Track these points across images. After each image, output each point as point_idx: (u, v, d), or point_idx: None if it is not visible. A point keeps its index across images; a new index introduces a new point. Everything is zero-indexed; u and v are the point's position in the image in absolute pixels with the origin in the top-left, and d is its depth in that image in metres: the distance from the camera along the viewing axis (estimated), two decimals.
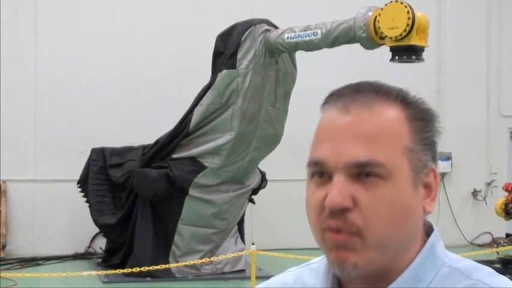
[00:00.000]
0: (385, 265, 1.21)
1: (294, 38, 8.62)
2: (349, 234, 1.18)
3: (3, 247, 10.86)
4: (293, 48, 8.87)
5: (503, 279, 1.23)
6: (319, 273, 1.33)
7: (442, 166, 12.84)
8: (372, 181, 1.19)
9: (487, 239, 13.04)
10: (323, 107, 1.28)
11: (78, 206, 10.62)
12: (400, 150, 1.21)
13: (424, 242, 1.26)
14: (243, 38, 9.09)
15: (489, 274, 1.24)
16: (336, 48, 8.70)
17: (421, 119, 1.26)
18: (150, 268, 8.53)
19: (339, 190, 1.18)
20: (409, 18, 7.40)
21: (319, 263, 1.37)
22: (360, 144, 1.19)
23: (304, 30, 8.52)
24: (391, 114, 1.23)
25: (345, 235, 1.18)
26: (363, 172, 1.19)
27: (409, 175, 1.21)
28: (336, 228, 1.19)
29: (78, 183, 10.37)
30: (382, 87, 1.28)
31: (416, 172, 1.22)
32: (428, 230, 1.29)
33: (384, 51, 8.00)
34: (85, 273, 9.10)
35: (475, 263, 1.27)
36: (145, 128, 11.09)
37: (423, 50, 7.71)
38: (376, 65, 10.13)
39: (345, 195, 1.18)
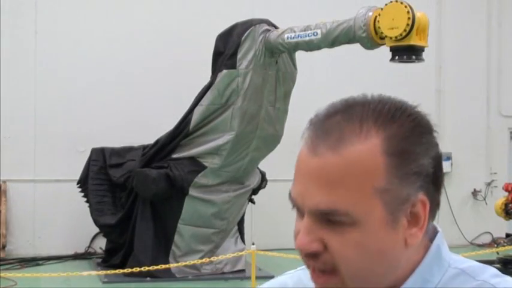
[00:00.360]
0: (375, 280, 1.20)
1: (294, 38, 8.63)
2: (329, 275, 1.17)
3: (3, 247, 10.86)
4: (293, 48, 8.87)
5: (508, 279, 1.23)
6: None
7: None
8: (339, 226, 1.15)
9: (487, 239, 13.04)
10: (303, 135, 1.22)
11: (78, 206, 10.62)
12: (369, 193, 1.14)
13: (427, 246, 1.24)
14: (243, 38, 9.09)
15: (494, 275, 1.23)
16: (336, 49, 8.70)
17: (402, 151, 1.15)
18: (150, 268, 8.53)
19: (305, 233, 1.17)
20: (409, 18, 7.40)
21: None
22: (322, 191, 1.14)
23: (304, 30, 8.52)
24: (364, 150, 1.14)
25: (326, 278, 1.18)
26: (330, 219, 1.15)
27: (382, 217, 1.14)
28: (313, 268, 1.19)
29: (78, 183, 10.37)
30: (357, 111, 1.17)
31: (393, 211, 1.15)
32: (433, 232, 1.27)
33: (384, 51, 8.00)
34: (85, 273, 9.10)
35: (480, 263, 1.26)
36: (145, 128, 11.08)
37: (423, 50, 7.71)
38: (376, 65, 10.16)
39: (313, 239, 1.16)
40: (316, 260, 1.18)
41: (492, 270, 1.25)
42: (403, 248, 1.18)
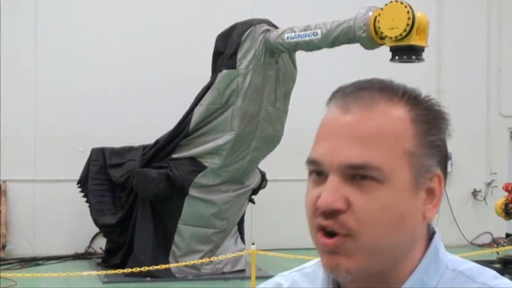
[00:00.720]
0: (383, 270, 1.19)
1: (294, 38, 8.63)
2: (342, 237, 1.15)
3: (3, 247, 10.86)
4: (293, 48, 8.88)
5: (506, 281, 1.22)
6: (315, 279, 1.31)
7: None
8: (367, 184, 1.15)
9: (487, 239, 13.04)
10: (328, 104, 1.25)
11: (78, 206, 10.62)
12: (399, 153, 1.17)
13: (426, 245, 1.24)
14: (243, 38, 9.09)
15: (493, 277, 1.22)
16: (336, 49, 8.70)
17: (427, 121, 1.21)
18: (150, 268, 8.53)
19: (331, 191, 1.16)
20: (409, 18, 7.40)
21: (314, 267, 1.35)
22: (356, 146, 1.16)
23: (304, 30, 8.52)
24: (394, 115, 1.19)
25: (336, 239, 1.15)
26: (358, 174, 1.16)
27: (408, 179, 1.17)
28: (328, 231, 1.16)
29: (78, 183, 10.37)
30: (388, 85, 1.23)
31: (417, 177, 1.18)
32: (430, 233, 1.27)
33: (384, 51, 8.00)
34: (85, 273, 9.10)
35: (478, 265, 1.26)
36: (145, 128, 11.08)
37: (423, 50, 7.70)
38: (376, 65, 10.12)
39: (338, 196, 1.15)
40: (335, 219, 1.15)
41: (491, 271, 1.24)
42: (421, 222, 1.20)
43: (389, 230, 1.16)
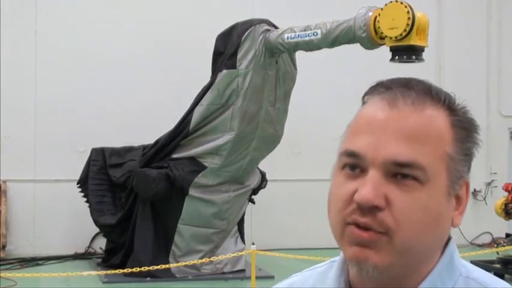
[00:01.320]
0: (404, 272, 1.18)
1: (294, 38, 8.62)
2: (377, 233, 1.14)
3: (3, 247, 10.86)
4: (293, 48, 8.87)
5: None
6: (326, 278, 1.30)
7: None
8: (408, 183, 1.14)
9: (487, 239, 13.04)
10: (367, 96, 1.22)
11: (78, 206, 10.62)
12: (441, 156, 1.17)
13: (442, 250, 1.23)
14: (243, 38, 9.09)
15: (505, 286, 1.23)
16: (336, 49, 8.70)
17: (465, 128, 1.21)
18: (150, 268, 8.53)
19: (372, 187, 1.13)
20: (409, 18, 7.40)
21: (326, 266, 1.34)
22: (402, 143, 1.14)
23: (304, 30, 8.51)
24: (438, 117, 1.19)
25: (372, 234, 1.14)
26: (400, 173, 1.14)
27: (444, 184, 1.17)
28: (363, 225, 1.14)
29: (78, 183, 10.37)
30: (432, 87, 1.22)
31: (452, 182, 1.18)
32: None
33: (384, 52, 8.00)
34: (85, 273, 9.10)
35: (491, 274, 1.26)
36: (145, 128, 11.08)
37: (423, 50, 7.70)
38: (376, 65, 10.11)
39: (379, 193, 1.13)
40: (373, 217, 1.14)
41: (504, 282, 1.24)
42: (450, 227, 1.21)
43: (424, 232, 1.15)
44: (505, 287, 1.23)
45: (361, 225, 1.14)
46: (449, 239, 1.25)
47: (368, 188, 1.13)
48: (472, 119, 1.25)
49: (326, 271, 1.31)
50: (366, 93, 1.23)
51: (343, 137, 1.22)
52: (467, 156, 1.21)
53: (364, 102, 1.23)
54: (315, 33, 8.37)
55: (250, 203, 10.28)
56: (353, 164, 1.17)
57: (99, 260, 10.41)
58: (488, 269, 9.74)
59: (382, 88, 1.21)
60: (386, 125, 1.16)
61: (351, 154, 1.17)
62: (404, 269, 1.18)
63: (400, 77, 1.24)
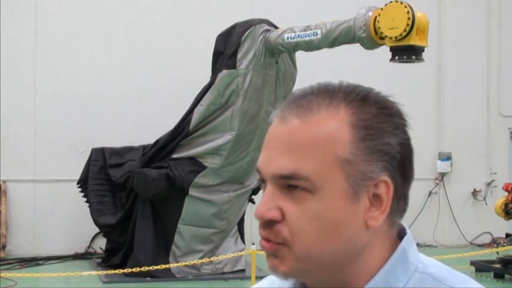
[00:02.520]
0: (333, 275, 1.18)
1: (293, 38, 8.62)
2: (276, 244, 1.16)
3: (3, 247, 10.86)
4: (293, 48, 8.87)
5: (476, 286, 1.20)
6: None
7: (442, 166, 12.85)
8: (298, 194, 1.14)
9: (487, 239, 13.04)
10: (274, 113, 1.24)
11: (78, 206, 10.62)
12: (331, 161, 1.14)
13: (395, 246, 1.21)
14: (243, 38, 9.09)
15: (462, 281, 1.20)
16: (336, 49, 8.70)
17: (368, 126, 1.16)
18: (150, 268, 8.53)
19: (265, 201, 1.16)
20: (409, 18, 7.40)
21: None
22: (286, 156, 1.15)
23: (304, 30, 8.51)
24: (329, 121, 1.16)
25: (272, 244, 1.17)
26: (290, 184, 1.15)
27: (342, 188, 1.14)
28: (264, 238, 1.18)
29: (78, 183, 10.37)
30: (331, 89, 1.20)
31: (354, 185, 1.15)
32: (401, 234, 1.24)
33: (384, 52, 8.00)
34: (85, 273, 9.10)
35: (449, 268, 1.23)
36: (145, 128, 11.09)
37: (423, 50, 7.70)
38: (376, 65, 10.16)
39: (272, 207, 1.16)
40: (270, 229, 1.16)
41: (462, 275, 1.21)
42: (363, 230, 1.17)
43: (322, 240, 1.15)
44: (462, 279, 1.20)
45: (263, 238, 1.18)
46: (403, 235, 1.23)
47: (261, 203, 1.17)
48: (382, 111, 1.18)
49: None
50: (273, 111, 1.25)
51: None
52: (373, 154, 1.15)
53: None
54: (315, 33, 8.37)
55: (250, 203, 10.28)
56: (262, 179, 1.21)
57: (99, 260, 10.41)
58: (488, 269, 9.77)
59: (284, 103, 1.22)
60: (275, 139, 1.18)
61: (257, 170, 1.22)
62: (324, 274, 1.18)
63: (315, 83, 1.24)
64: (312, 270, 1.17)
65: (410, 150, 1.21)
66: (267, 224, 1.17)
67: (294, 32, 8.64)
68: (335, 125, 1.15)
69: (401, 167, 1.19)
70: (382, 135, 1.17)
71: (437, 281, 1.19)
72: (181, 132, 9.42)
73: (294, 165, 1.14)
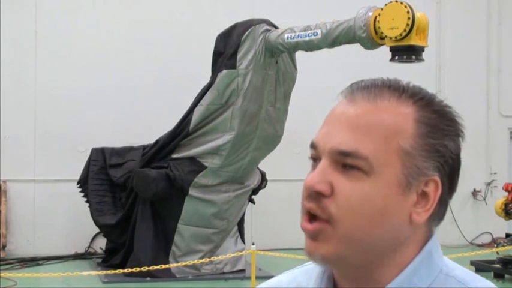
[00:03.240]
0: (366, 266, 1.19)
1: (294, 38, 8.62)
2: (321, 223, 1.17)
3: (3, 247, 10.86)
4: (293, 48, 8.87)
5: None
6: (313, 275, 1.31)
7: None
8: (353, 173, 1.16)
9: (487, 239, 13.04)
10: (338, 95, 1.26)
11: (78, 206, 10.62)
12: (393, 149, 1.17)
13: (421, 248, 1.23)
14: (243, 38, 9.09)
15: (486, 285, 1.22)
16: (336, 49, 8.70)
17: (432, 125, 1.20)
18: (150, 268, 8.53)
19: (318, 173, 1.17)
20: (409, 18, 7.40)
21: (314, 263, 1.35)
22: (349, 133, 1.17)
23: (304, 30, 8.52)
24: (398, 111, 1.19)
25: (315, 225, 1.17)
26: (346, 163, 1.17)
27: (397, 176, 1.16)
28: (308, 211, 1.18)
29: (78, 183, 10.37)
30: (399, 84, 1.23)
31: (409, 177, 1.17)
32: (427, 236, 1.25)
33: (384, 52, 8.00)
34: (85, 273, 9.10)
35: (474, 273, 1.25)
36: (145, 128, 11.09)
37: (423, 50, 7.70)
38: (376, 65, 10.12)
39: (324, 179, 1.17)
40: (318, 203, 1.17)
41: (486, 281, 1.23)
42: (406, 223, 1.19)
43: (367, 223, 1.16)
44: (486, 285, 1.22)
45: (307, 210, 1.19)
46: (430, 236, 1.25)
47: (314, 174, 1.18)
48: (446, 115, 1.22)
49: (315, 268, 1.33)
50: (341, 92, 1.26)
51: None
52: (432, 152, 1.19)
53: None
54: (315, 33, 8.37)
55: (250, 203, 10.28)
56: (315, 156, 1.22)
57: (99, 260, 10.41)
58: (488, 269, 9.77)
59: (352, 86, 1.25)
60: (340, 117, 1.20)
61: (311, 145, 1.22)
62: (361, 262, 1.19)
63: (382, 77, 1.26)
64: (350, 255, 1.17)
65: (460, 162, 1.25)
66: (314, 197, 1.17)
67: (294, 32, 8.64)
68: (402, 117, 1.18)
69: (451, 175, 1.22)
70: (443, 136, 1.20)
71: (461, 284, 1.21)
72: (181, 132, 9.42)
73: (355, 143, 1.16)
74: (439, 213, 1.23)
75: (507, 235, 10.88)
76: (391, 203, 1.17)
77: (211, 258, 9.09)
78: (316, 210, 1.17)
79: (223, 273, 9.64)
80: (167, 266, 8.76)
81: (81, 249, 11.23)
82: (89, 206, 10.19)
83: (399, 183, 1.17)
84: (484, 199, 13.15)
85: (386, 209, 1.16)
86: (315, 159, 1.21)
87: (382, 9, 7.70)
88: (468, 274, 1.23)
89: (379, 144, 1.16)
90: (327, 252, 1.17)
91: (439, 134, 1.20)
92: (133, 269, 8.27)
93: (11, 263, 10.35)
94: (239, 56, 9.08)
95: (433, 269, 1.22)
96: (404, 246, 1.20)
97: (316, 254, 1.18)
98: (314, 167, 1.21)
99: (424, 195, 1.19)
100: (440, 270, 1.22)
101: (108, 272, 8.58)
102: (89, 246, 11.29)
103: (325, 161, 1.18)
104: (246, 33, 9.09)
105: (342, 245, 1.16)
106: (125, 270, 8.34)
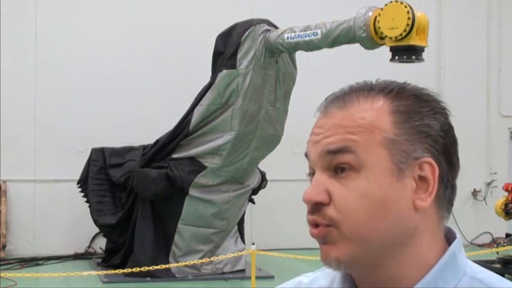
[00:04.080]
0: (381, 263, 1.19)
1: (294, 38, 8.62)
2: (325, 227, 1.19)
3: (3, 247, 10.86)
4: (293, 48, 8.87)
5: None
6: (334, 278, 1.32)
7: None
8: (345, 175, 1.19)
9: (487, 239, 13.04)
10: (315, 112, 1.29)
11: (78, 206, 10.62)
12: (377, 141, 1.19)
13: (444, 249, 1.23)
14: (243, 38, 9.09)
15: None
16: (336, 49, 8.70)
17: (408, 111, 1.21)
18: (150, 268, 8.53)
19: (313, 186, 1.21)
20: (409, 18, 7.40)
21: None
22: (333, 136, 1.21)
23: (304, 30, 8.51)
24: (371, 107, 1.22)
25: (320, 229, 1.19)
26: (337, 166, 1.19)
27: (388, 167, 1.18)
28: (312, 223, 1.20)
29: (78, 183, 10.37)
30: (366, 84, 1.26)
31: (398, 163, 1.18)
32: (450, 237, 1.26)
33: (384, 52, 8.00)
34: (85, 273, 9.10)
35: (498, 275, 1.25)
36: (145, 128, 11.09)
37: (423, 50, 7.70)
38: (376, 65, 10.13)
39: (319, 190, 1.20)
40: (320, 213, 1.19)
41: (509, 283, 1.23)
42: (411, 211, 1.19)
43: (369, 218, 1.17)
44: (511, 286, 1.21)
45: (311, 222, 1.21)
46: (453, 239, 1.25)
47: (310, 187, 1.22)
48: (421, 98, 1.24)
49: (335, 271, 1.32)
50: (317, 109, 1.30)
51: None
52: (417, 135, 1.20)
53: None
54: (315, 33, 8.37)
55: (250, 203, 10.28)
56: (312, 171, 1.25)
57: (99, 260, 10.41)
58: (488, 269, 9.76)
59: (326, 100, 1.29)
60: (320, 129, 1.24)
61: (306, 156, 1.27)
62: (374, 258, 1.19)
63: (347, 85, 1.30)
64: (363, 254, 1.18)
65: (454, 138, 1.26)
66: (315, 208, 1.20)
67: (294, 32, 8.64)
68: (376, 112, 1.21)
69: (446, 153, 1.22)
70: (422, 118, 1.22)
71: (487, 286, 1.20)
72: (181, 132, 9.42)
73: (342, 142, 1.20)
74: (445, 195, 1.23)
75: (507, 235, 10.87)
76: (388, 193, 1.18)
77: (211, 258, 9.09)
78: (319, 219, 1.20)
79: (223, 273, 9.64)
80: (167, 266, 8.75)
81: (81, 249, 11.23)
82: (89, 206, 10.19)
83: (391, 172, 1.18)
84: (484, 199, 13.15)
85: (386, 200, 1.17)
86: (313, 174, 1.25)
87: (382, 9, 7.70)
88: (494, 277, 1.23)
89: (363, 139, 1.19)
90: (340, 254, 1.18)
91: (418, 116, 1.21)
92: (133, 269, 8.26)
93: (11, 263, 10.35)
94: (239, 56, 9.08)
95: (458, 271, 1.21)
96: (418, 237, 1.20)
97: (330, 257, 1.19)
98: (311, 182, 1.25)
99: (422, 179, 1.20)
100: (465, 272, 1.22)
101: (108, 272, 8.58)
102: (89, 246, 11.29)
103: (318, 171, 1.22)
104: (246, 33, 9.09)
105: (351, 244, 1.18)
106: (125, 270, 8.33)
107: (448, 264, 1.21)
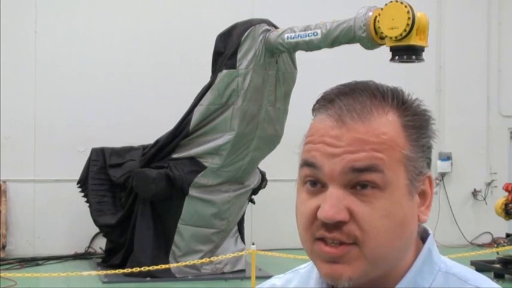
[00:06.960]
0: (380, 274, 1.19)
1: (294, 38, 8.62)
2: (347, 245, 1.15)
3: (3, 247, 10.86)
4: (293, 48, 8.87)
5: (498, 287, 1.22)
6: (309, 279, 1.31)
7: (442, 166, 12.85)
8: (368, 193, 1.14)
9: (487, 239, 13.04)
10: (316, 111, 1.22)
11: (78, 206, 10.62)
12: (398, 158, 1.16)
13: (419, 247, 1.23)
14: (243, 38, 9.09)
15: (487, 282, 1.22)
16: (336, 49, 8.70)
17: (418, 126, 1.20)
18: (150, 268, 8.53)
19: (333, 203, 1.14)
20: (409, 18, 7.40)
21: (308, 267, 1.34)
22: (358, 152, 1.15)
23: (304, 30, 8.51)
24: (387, 121, 1.18)
25: (343, 248, 1.15)
26: (359, 183, 1.15)
27: (405, 184, 1.17)
28: (332, 240, 1.15)
29: (78, 183, 10.37)
30: (377, 90, 1.21)
31: (412, 180, 1.18)
32: (423, 234, 1.26)
33: (384, 52, 8.00)
34: (85, 273, 9.10)
35: (473, 271, 1.25)
36: (145, 128, 11.09)
37: (423, 50, 7.70)
38: (376, 65, 10.13)
39: (340, 208, 1.14)
40: (340, 230, 1.15)
41: (484, 277, 1.24)
42: (416, 224, 1.21)
43: (392, 238, 1.15)
44: (487, 283, 1.22)
45: (329, 240, 1.15)
46: (426, 234, 1.26)
47: (328, 204, 1.14)
48: (423, 113, 1.22)
49: (309, 271, 1.32)
50: (314, 106, 1.23)
51: (300, 148, 1.24)
52: (424, 152, 1.21)
53: (314, 116, 1.23)
54: (315, 33, 8.37)
55: (250, 203, 10.28)
56: (313, 179, 1.18)
57: (99, 260, 10.42)
58: (488, 269, 9.77)
59: (327, 102, 1.21)
60: (339, 140, 1.16)
61: (310, 165, 1.18)
62: (379, 272, 1.18)
63: (345, 83, 1.23)
64: (374, 271, 1.17)
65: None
66: (335, 226, 1.15)
67: (294, 32, 8.64)
68: (393, 125, 1.18)
69: (429, 165, 1.24)
70: (427, 134, 1.22)
71: (462, 281, 1.21)
72: (181, 132, 9.42)
73: (369, 159, 1.15)
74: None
75: (507, 235, 10.88)
76: (406, 212, 1.17)
77: (211, 258, 9.09)
78: (341, 237, 1.15)
79: (223, 273, 9.64)
80: (167, 266, 8.76)
81: (81, 249, 11.23)
82: (89, 206, 10.19)
83: (408, 189, 1.18)
84: (484, 199, 13.15)
85: (405, 219, 1.17)
86: (315, 182, 1.18)
87: (382, 9, 7.70)
88: (468, 272, 1.24)
89: (388, 157, 1.16)
90: (353, 273, 1.15)
91: (425, 133, 1.21)
92: (133, 269, 8.27)
93: (11, 263, 10.35)
94: (239, 56, 9.08)
95: (434, 267, 1.22)
96: (410, 247, 1.22)
97: (343, 277, 1.15)
98: (313, 193, 1.18)
99: (422, 193, 1.21)
100: (439, 268, 1.23)
101: (108, 272, 8.58)
102: (89, 246, 11.29)
103: (335, 186, 1.15)
104: (246, 33, 9.09)
105: (367, 264, 1.15)
106: (125, 270, 8.34)
107: (425, 261, 1.22)
